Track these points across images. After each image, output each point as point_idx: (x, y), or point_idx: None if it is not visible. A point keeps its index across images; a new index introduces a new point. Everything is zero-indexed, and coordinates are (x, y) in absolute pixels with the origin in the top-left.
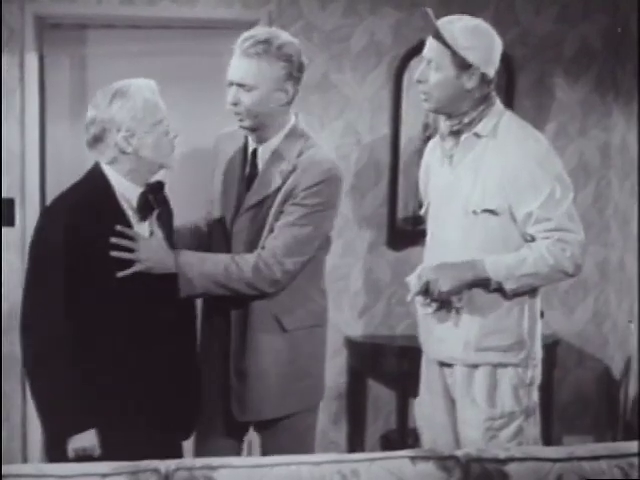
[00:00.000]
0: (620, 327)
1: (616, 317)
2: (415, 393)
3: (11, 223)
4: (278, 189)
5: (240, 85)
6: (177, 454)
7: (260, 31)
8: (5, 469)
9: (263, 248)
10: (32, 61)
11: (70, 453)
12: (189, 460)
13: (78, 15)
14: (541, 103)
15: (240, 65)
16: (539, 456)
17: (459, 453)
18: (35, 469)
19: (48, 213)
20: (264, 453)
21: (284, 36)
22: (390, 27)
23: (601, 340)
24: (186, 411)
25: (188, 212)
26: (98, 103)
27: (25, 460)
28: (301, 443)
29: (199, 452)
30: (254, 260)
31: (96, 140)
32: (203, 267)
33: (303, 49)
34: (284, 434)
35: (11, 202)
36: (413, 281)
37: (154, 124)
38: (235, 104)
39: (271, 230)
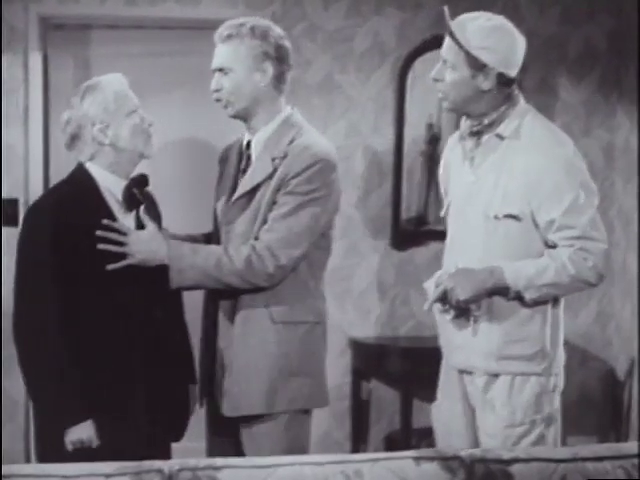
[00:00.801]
0: (624, 328)
1: (620, 318)
2: (419, 394)
3: (14, 223)
4: (269, 177)
5: (220, 70)
6: (166, 454)
7: (238, 19)
8: (7, 469)
9: (257, 239)
10: (36, 61)
11: (68, 445)
12: (193, 460)
13: (82, 15)
14: (545, 103)
15: (218, 52)
16: (543, 457)
17: (463, 454)
18: (38, 469)
19: (33, 211)
20: (248, 453)
21: (261, 21)
22: (394, 27)
23: (605, 341)
24: (177, 412)
25: (194, 215)
26: (71, 104)
27: (28, 460)
28: (287, 448)
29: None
30: (247, 252)
31: (74, 139)
32: (195, 258)
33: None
34: (269, 435)
35: (15, 202)
36: (431, 288)
37: (127, 114)
38: (217, 90)
39: (264, 221)
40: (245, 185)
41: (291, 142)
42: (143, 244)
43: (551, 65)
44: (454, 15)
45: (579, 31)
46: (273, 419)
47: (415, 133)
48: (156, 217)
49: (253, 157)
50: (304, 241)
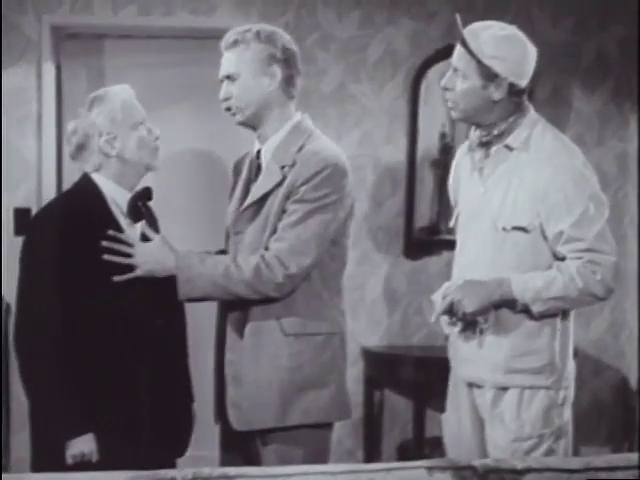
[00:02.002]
0: (637, 337)
1: (633, 327)
2: (431, 403)
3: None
4: (278, 185)
5: (227, 78)
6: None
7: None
8: (17, 477)
9: (267, 249)
10: (49, 71)
11: (68, 459)
12: (206, 469)
13: (95, 25)
14: (558, 113)
15: (224, 60)
16: (556, 467)
17: (476, 463)
18: (51, 478)
19: (37, 219)
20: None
21: (266, 26)
22: (407, 37)
23: (618, 350)
24: (177, 427)
25: (202, 226)
26: (78, 114)
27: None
28: (305, 462)
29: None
30: (255, 261)
31: (80, 149)
32: (202, 268)
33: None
34: (284, 451)
35: (27, 212)
36: (438, 300)
37: (134, 125)
38: (226, 99)
39: (274, 231)
40: (254, 194)
41: (300, 149)
42: (150, 255)
43: (564, 75)
44: (466, 24)
45: (592, 41)
46: (288, 434)
47: (428, 142)
48: (155, 226)
49: (263, 166)
50: (314, 249)
